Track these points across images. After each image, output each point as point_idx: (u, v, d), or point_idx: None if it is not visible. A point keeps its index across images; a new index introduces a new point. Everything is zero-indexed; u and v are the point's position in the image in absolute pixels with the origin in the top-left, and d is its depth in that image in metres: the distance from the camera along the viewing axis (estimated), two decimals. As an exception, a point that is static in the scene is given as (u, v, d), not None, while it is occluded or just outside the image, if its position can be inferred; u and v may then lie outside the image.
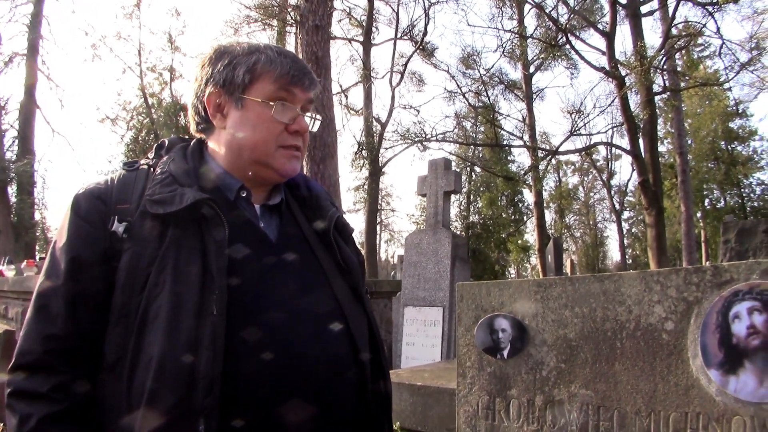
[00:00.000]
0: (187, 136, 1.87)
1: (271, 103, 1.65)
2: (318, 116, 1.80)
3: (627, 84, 19.74)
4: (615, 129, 29.73)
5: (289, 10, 18.26)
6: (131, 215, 1.54)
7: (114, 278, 1.48)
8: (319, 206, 1.85)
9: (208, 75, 1.70)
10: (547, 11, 22.60)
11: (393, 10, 27.51)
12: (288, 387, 1.48)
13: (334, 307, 1.67)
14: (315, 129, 1.80)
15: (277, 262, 1.63)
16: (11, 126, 29.02)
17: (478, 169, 41.68)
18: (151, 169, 1.66)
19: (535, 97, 31.65)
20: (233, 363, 1.41)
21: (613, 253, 55.85)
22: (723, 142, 41.20)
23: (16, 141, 29.15)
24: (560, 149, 25.69)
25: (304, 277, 1.66)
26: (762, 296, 1.98)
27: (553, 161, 38.36)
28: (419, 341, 8.14)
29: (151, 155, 1.77)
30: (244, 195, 1.69)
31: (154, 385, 1.35)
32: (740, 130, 41.50)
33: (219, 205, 1.55)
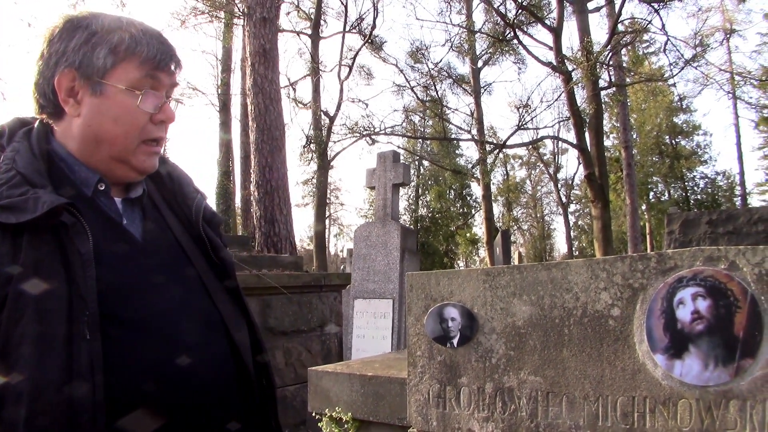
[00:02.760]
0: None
1: (137, 92, 1.46)
2: (179, 101, 1.61)
3: (573, 79, 19.97)
4: (561, 123, 30.07)
5: (237, 2, 18.15)
6: None
7: None
8: (183, 194, 1.70)
9: (59, 52, 1.45)
10: (494, 6, 22.75)
11: (342, 3, 27.35)
12: (173, 405, 1.37)
13: (211, 312, 1.56)
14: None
15: (146, 266, 1.48)
16: (-50, 119, 28.28)
17: (426, 162, 41.97)
18: None
19: (483, 91, 31.80)
20: (113, 389, 1.27)
21: (560, 246, 56.59)
22: (667, 137, 42.16)
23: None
24: (508, 143, 25.85)
25: (177, 280, 1.52)
26: (706, 282, 2.02)
27: (501, 155, 38.64)
28: (369, 333, 8.15)
29: None
30: (103, 188, 1.51)
31: (26, 427, 1.18)
32: (684, 125, 42.61)
33: (79, 209, 1.35)
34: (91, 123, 1.46)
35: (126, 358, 1.32)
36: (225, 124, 28.01)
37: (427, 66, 29.70)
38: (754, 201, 39.65)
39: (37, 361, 1.20)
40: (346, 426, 3.24)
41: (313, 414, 3.48)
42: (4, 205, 1.29)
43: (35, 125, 1.54)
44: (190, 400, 1.40)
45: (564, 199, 44.95)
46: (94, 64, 1.44)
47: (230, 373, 1.54)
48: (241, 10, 15.02)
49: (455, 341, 2.51)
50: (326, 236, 34.28)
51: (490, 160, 26.68)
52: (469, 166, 35.95)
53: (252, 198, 13.09)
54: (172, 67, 1.54)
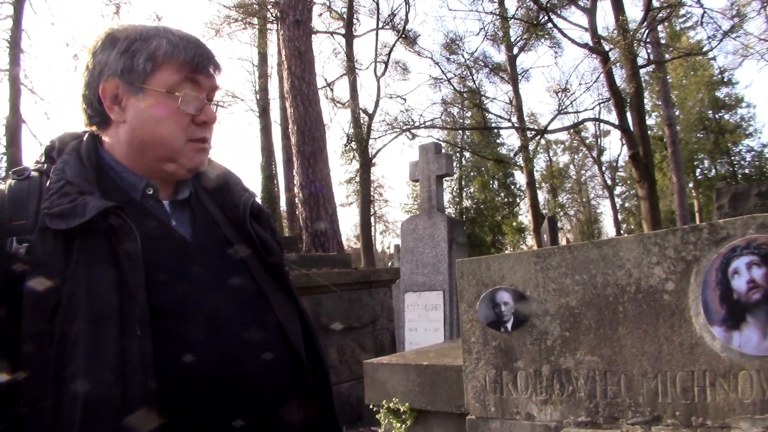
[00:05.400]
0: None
1: (177, 94, 1.51)
2: (222, 104, 1.63)
3: (611, 59, 19.71)
4: (602, 105, 29.56)
5: (269, 7, 18.27)
6: (30, 232, 1.36)
7: (17, 306, 1.29)
8: (230, 192, 1.74)
9: (102, 63, 1.52)
10: (526, -9, 22.58)
11: (373, 0, 27.39)
12: (225, 401, 1.40)
13: (263, 307, 1.59)
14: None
15: (196, 264, 1.51)
16: (-3, 143, 28.74)
17: (467, 154, 41.77)
18: (44, 177, 1.49)
19: (520, 78, 31.60)
20: (165, 384, 1.30)
21: (608, 229, 55.90)
22: (710, 112, 41.25)
23: (4, 157, 28.90)
24: (549, 128, 25.61)
25: (228, 278, 1.55)
26: (760, 250, 1.99)
27: (543, 141, 38.38)
28: (421, 326, 8.13)
29: (41, 159, 1.58)
30: (151, 192, 1.56)
31: (83, 419, 1.21)
32: (727, 99, 41.55)
33: (127, 211, 1.41)
34: (136, 127, 1.51)
35: (178, 353, 1.35)
36: (265, 129, 28.24)
37: (463, 56, 29.64)
38: (803, 171, 38.64)
39: (91, 359, 1.25)
40: (403, 416, 3.26)
41: (371, 406, 3.51)
42: (54, 212, 1.35)
43: (84, 138, 1.59)
44: (245, 393, 1.44)
45: (609, 182, 44.38)
46: (135, 71, 1.50)
47: (285, 364, 1.57)
48: (274, 15, 15.15)
49: (509, 325, 2.51)
50: (372, 234, 34.34)
51: (531, 146, 26.53)
52: (511, 154, 35.67)
53: (297, 200, 13.18)
54: (211, 70, 1.58)
